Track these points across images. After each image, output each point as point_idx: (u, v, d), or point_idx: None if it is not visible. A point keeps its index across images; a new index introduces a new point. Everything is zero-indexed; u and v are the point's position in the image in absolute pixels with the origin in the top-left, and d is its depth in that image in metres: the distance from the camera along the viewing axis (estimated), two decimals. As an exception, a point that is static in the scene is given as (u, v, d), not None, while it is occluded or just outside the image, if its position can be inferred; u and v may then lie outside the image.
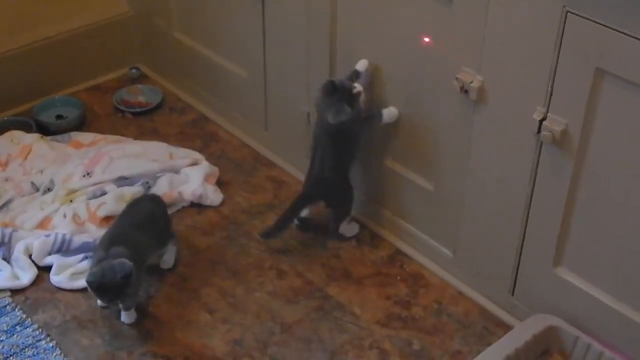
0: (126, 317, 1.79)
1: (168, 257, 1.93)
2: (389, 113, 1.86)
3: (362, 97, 1.84)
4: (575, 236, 1.62)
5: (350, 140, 1.91)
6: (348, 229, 2.01)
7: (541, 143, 1.57)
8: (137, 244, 1.79)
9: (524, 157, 1.62)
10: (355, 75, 1.87)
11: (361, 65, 1.87)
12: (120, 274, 1.67)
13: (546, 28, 1.47)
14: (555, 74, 1.50)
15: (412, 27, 1.74)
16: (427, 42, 1.72)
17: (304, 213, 2.02)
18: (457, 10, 1.62)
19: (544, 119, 1.54)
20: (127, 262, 1.68)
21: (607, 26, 1.39)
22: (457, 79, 1.66)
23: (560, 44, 1.46)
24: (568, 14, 1.43)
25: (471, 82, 1.64)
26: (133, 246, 1.77)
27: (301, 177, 2.20)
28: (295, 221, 2.02)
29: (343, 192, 1.96)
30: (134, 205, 1.92)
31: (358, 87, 1.83)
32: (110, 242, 1.78)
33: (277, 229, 1.96)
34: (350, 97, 1.82)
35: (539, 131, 1.55)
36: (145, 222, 1.86)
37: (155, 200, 1.96)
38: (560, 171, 1.57)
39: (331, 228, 1.99)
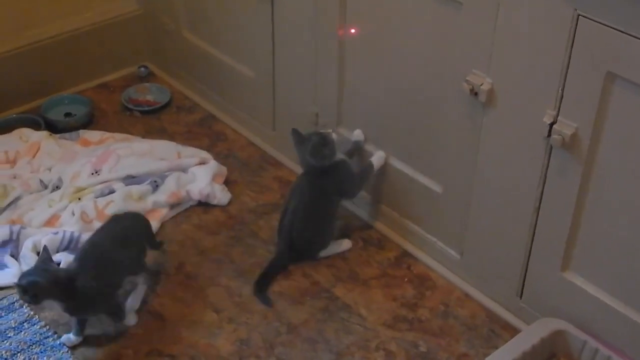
0: (127, 319, 1.78)
1: (133, 299, 1.81)
2: (378, 158, 1.93)
3: (334, 137, 1.89)
4: (583, 240, 1.62)
5: (329, 203, 1.92)
6: (335, 246, 1.97)
7: (551, 147, 1.57)
8: (109, 262, 1.72)
9: (533, 160, 1.62)
10: (357, 147, 1.96)
11: (357, 135, 1.96)
12: (29, 290, 1.60)
13: (557, 31, 1.47)
14: (565, 77, 1.49)
15: (422, 29, 1.74)
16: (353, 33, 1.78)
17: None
18: (467, 12, 1.62)
19: (554, 122, 1.54)
20: (35, 281, 1.60)
21: (619, 30, 1.38)
22: (466, 81, 1.65)
23: (572, 47, 1.46)
24: (579, 17, 1.43)
25: (481, 84, 1.63)
26: (104, 264, 1.70)
27: (308, 177, 2.21)
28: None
29: (317, 240, 1.95)
30: (116, 220, 1.84)
31: (327, 130, 1.91)
32: (82, 255, 1.72)
33: (260, 291, 1.88)
34: (320, 138, 1.86)
35: (549, 135, 1.55)
36: (123, 240, 1.76)
37: (137, 218, 1.86)
38: (570, 175, 1.56)
39: (311, 258, 1.96)
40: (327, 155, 1.87)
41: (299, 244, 1.92)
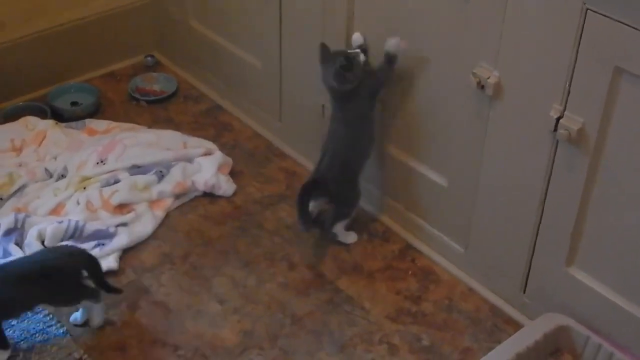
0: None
1: (94, 316, 1.75)
2: (392, 45, 1.78)
3: (362, 58, 1.81)
4: (588, 235, 1.61)
5: (365, 124, 1.86)
6: (344, 234, 1.98)
7: (557, 141, 1.56)
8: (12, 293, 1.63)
9: (539, 154, 1.61)
10: (362, 51, 1.85)
11: (357, 39, 1.86)
12: None
13: (565, 25, 1.46)
14: (573, 71, 1.48)
15: (430, 21, 1.73)
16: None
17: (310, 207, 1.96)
18: (476, 5, 1.61)
19: (560, 116, 1.53)
20: None
21: (627, 24, 1.37)
22: (473, 74, 1.65)
23: (579, 42, 1.45)
24: (588, 11, 1.42)
25: (488, 77, 1.63)
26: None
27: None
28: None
29: (348, 194, 1.94)
30: (46, 253, 1.77)
31: (354, 47, 1.81)
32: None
33: (304, 218, 1.88)
34: (346, 59, 1.79)
35: (555, 129, 1.54)
36: (40, 276, 1.64)
37: (74, 256, 1.72)
38: (576, 170, 1.56)
39: (326, 224, 1.96)
40: (350, 80, 1.79)
41: (335, 184, 1.89)
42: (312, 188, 1.91)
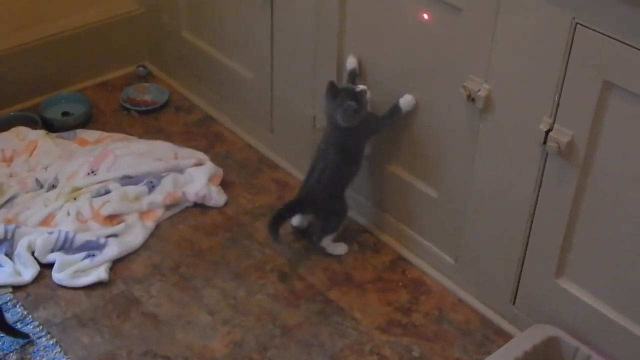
0: None
1: None
2: (406, 102, 1.83)
3: (368, 96, 1.84)
4: (578, 247, 1.62)
5: (356, 155, 1.91)
6: (333, 246, 1.99)
7: (547, 154, 1.57)
8: None
9: (528, 167, 1.62)
10: (353, 75, 1.89)
11: (350, 62, 1.89)
12: None
13: (555, 39, 1.47)
14: (562, 85, 1.50)
15: (421, 34, 1.74)
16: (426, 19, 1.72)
17: (296, 222, 2.01)
18: (466, 19, 1.62)
19: (550, 129, 1.54)
20: None
21: (616, 39, 1.39)
22: (464, 87, 1.66)
23: (569, 55, 1.46)
24: (577, 25, 1.43)
25: (478, 90, 1.64)
26: None
27: (305, 180, 2.21)
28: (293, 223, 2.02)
29: (334, 210, 1.95)
30: None
31: (361, 86, 1.84)
32: None
33: (273, 230, 1.93)
34: (354, 97, 1.82)
35: (544, 142, 1.55)
36: None
37: None
38: (565, 182, 1.57)
39: (315, 237, 1.98)
40: (356, 119, 1.84)
41: (322, 201, 1.93)
42: (296, 207, 1.96)
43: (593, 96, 1.46)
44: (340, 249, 2.00)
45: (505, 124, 1.64)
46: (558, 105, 1.52)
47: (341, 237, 2.01)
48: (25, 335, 1.75)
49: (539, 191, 1.63)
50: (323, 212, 1.96)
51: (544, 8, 1.47)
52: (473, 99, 1.65)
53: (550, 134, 1.54)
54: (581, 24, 1.43)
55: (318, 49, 2.00)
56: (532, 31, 1.51)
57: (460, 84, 1.66)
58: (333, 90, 1.85)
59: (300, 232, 2.03)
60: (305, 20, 2.00)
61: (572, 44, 1.45)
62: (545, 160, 1.58)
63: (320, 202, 1.94)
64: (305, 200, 1.95)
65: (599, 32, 1.41)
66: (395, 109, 1.84)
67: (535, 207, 1.65)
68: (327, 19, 1.94)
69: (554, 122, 1.54)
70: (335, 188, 1.93)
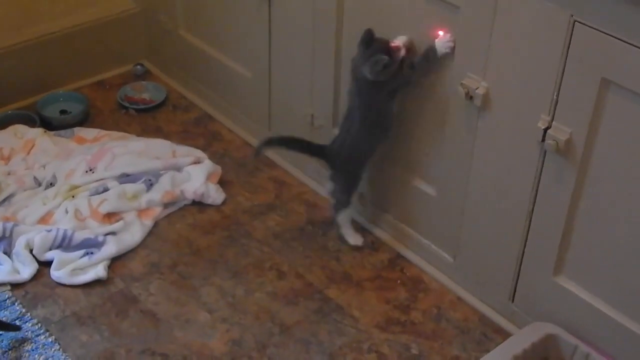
0: None
1: None
2: (442, 43, 1.68)
3: (402, 53, 1.73)
4: (576, 245, 1.62)
5: (383, 114, 1.82)
6: (350, 232, 2.00)
7: (545, 151, 1.57)
8: None
9: (527, 164, 1.62)
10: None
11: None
12: None
13: (553, 37, 1.47)
14: (561, 82, 1.50)
15: (419, 32, 1.74)
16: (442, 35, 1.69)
17: (328, 188, 1.97)
18: (464, 16, 1.62)
19: (548, 127, 1.54)
20: None
21: (614, 37, 1.39)
22: (462, 84, 1.66)
23: (567, 53, 1.47)
24: (576, 23, 1.43)
25: (476, 88, 1.64)
26: None
27: (303, 178, 2.21)
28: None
29: (348, 177, 1.93)
30: None
31: (397, 42, 1.74)
32: None
33: (265, 144, 1.95)
34: (388, 51, 1.72)
35: (543, 139, 1.55)
36: None
37: None
38: (564, 180, 1.57)
39: (330, 212, 1.99)
40: (385, 74, 1.74)
41: (341, 161, 1.90)
42: (315, 150, 1.94)
43: (591, 94, 1.46)
44: (355, 239, 1.99)
45: (503, 122, 1.64)
46: (556, 103, 1.52)
47: (358, 229, 2.02)
48: (16, 328, 1.74)
49: (537, 189, 1.63)
50: (339, 175, 1.93)
51: (542, 5, 1.47)
52: (471, 97, 1.65)
53: (549, 131, 1.54)
54: (579, 22, 1.43)
55: (316, 48, 2.00)
56: (530, 28, 1.51)
57: (458, 82, 1.66)
58: (368, 39, 1.74)
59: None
60: (302, 19, 2.00)
61: (570, 41, 1.46)
62: (544, 158, 1.59)
63: (339, 164, 1.91)
64: (327, 152, 1.93)
65: (597, 30, 1.41)
66: (431, 51, 1.69)
67: (533, 205, 1.65)
68: (325, 18, 1.94)
69: (552, 120, 1.54)
70: (355, 155, 1.89)
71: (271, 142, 1.98)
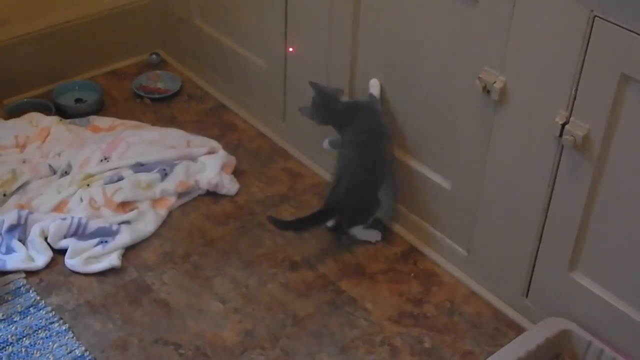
0: None
1: None
2: (372, 85, 1.90)
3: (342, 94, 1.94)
4: (592, 241, 1.61)
5: (376, 142, 1.91)
6: (364, 233, 1.99)
7: (562, 147, 1.56)
8: None
9: (543, 160, 1.61)
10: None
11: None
12: None
13: (572, 32, 1.46)
14: (579, 78, 1.49)
15: (436, 25, 1.73)
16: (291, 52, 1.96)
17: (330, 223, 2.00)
18: (483, 9, 1.61)
19: (566, 122, 1.53)
20: None
21: (635, 32, 1.38)
22: (479, 78, 1.65)
23: (586, 48, 1.45)
24: (595, 18, 1.42)
25: (494, 82, 1.63)
26: None
27: (317, 169, 2.21)
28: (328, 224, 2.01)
29: (366, 210, 1.95)
30: None
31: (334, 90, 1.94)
32: None
33: (288, 225, 1.96)
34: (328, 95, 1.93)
35: (560, 135, 1.54)
36: None
37: None
38: (580, 176, 1.56)
39: (343, 226, 1.99)
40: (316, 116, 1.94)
41: (352, 207, 1.93)
42: (324, 217, 1.96)
43: (610, 90, 1.45)
44: (372, 235, 1.99)
45: (520, 117, 1.63)
46: (574, 98, 1.51)
47: (371, 224, 2.00)
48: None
49: (553, 184, 1.62)
50: (352, 218, 1.96)
51: (562, 0, 1.46)
52: (488, 91, 1.64)
53: (566, 127, 1.53)
54: (599, 17, 1.42)
55: (332, 38, 2.00)
56: (549, 23, 1.50)
57: (476, 76, 1.65)
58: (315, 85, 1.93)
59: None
60: (319, 9, 1.99)
61: (589, 36, 1.44)
62: (561, 154, 1.58)
63: (349, 210, 1.94)
64: (332, 211, 1.95)
65: (617, 25, 1.40)
66: (372, 98, 1.89)
67: (549, 200, 1.64)
68: (342, 8, 1.93)
69: (570, 115, 1.53)
70: (367, 192, 1.92)
71: (285, 226, 1.98)
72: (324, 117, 1.94)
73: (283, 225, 1.96)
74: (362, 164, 1.90)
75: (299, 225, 1.96)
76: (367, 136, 1.89)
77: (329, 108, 1.92)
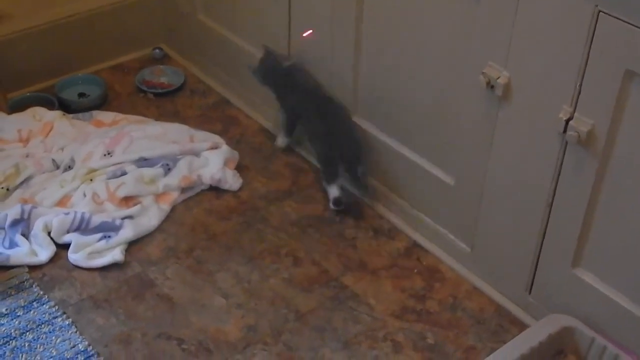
0: None
1: None
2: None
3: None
4: (595, 237, 1.61)
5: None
6: (329, 189, 2.05)
7: (566, 143, 1.56)
8: None
9: (547, 156, 1.61)
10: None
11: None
12: None
13: (577, 27, 1.46)
14: (584, 73, 1.48)
15: (440, 20, 1.73)
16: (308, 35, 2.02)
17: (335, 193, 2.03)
18: (487, 4, 1.61)
19: (570, 118, 1.53)
20: None
21: (639, 27, 1.37)
22: (483, 74, 1.64)
23: (591, 44, 1.45)
24: (600, 13, 1.41)
25: (498, 77, 1.62)
26: None
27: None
28: (331, 205, 2.05)
29: (358, 141, 2.03)
30: None
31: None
32: None
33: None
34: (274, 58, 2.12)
35: (564, 131, 1.54)
36: None
37: None
38: (584, 172, 1.55)
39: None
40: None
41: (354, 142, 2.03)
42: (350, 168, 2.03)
43: (615, 85, 1.44)
44: (333, 191, 2.04)
45: (524, 112, 1.62)
46: (579, 94, 1.50)
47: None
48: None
49: (557, 180, 1.62)
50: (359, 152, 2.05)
51: (566, -5, 1.45)
52: (492, 86, 1.64)
53: (571, 122, 1.52)
54: (604, 12, 1.41)
55: (335, 33, 1.99)
56: (554, 18, 1.49)
57: (480, 71, 1.65)
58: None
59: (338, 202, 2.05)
60: (322, 4, 1.99)
61: (594, 32, 1.44)
62: (565, 150, 1.57)
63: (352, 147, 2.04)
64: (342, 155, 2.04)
65: (621, 20, 1.39)
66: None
67: (553, 196, 1.64)
68: (345, 4, 1.92)
69: (574, 111, 1.52)
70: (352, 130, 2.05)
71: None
72: (264, 77, 2.13)
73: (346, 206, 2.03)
74: (329, 111, 2.03)
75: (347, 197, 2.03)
76: (312, 90, 2.06)
77: (270, 69, 2.11)
